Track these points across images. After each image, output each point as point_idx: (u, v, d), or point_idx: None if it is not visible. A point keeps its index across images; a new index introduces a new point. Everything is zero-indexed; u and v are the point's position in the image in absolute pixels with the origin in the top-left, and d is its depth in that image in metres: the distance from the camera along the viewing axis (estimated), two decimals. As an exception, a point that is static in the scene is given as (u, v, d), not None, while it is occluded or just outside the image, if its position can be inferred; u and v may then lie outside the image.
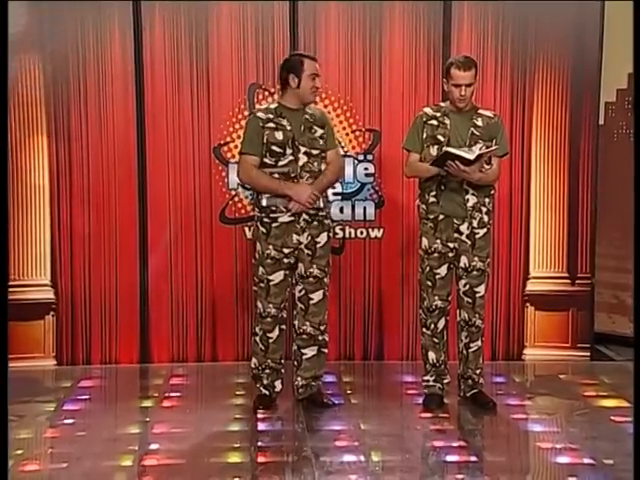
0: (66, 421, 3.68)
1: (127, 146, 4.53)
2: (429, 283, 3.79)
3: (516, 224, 4.65)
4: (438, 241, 3.74)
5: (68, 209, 4.53)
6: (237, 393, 4.08)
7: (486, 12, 4.53)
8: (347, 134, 4.58)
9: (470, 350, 3.83)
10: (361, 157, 4.60)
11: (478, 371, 3.85)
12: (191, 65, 4.52)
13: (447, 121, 3.72)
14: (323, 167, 3.72)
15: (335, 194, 4.55)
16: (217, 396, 4.04)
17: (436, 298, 3.79)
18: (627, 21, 4.80)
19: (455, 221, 3.72)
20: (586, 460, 3.21)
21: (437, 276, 3.77)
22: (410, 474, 3.10)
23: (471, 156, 3.55)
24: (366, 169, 4.60)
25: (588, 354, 4.69)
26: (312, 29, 4.52)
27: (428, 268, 3.77)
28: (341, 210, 4.60)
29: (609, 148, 4.90)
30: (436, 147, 3.71)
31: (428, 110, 3.81)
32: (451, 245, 3.74)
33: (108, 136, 4.51)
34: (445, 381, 3.88)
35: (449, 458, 3.25)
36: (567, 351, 4.68)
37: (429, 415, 3.73)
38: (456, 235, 3.73)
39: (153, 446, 3.38)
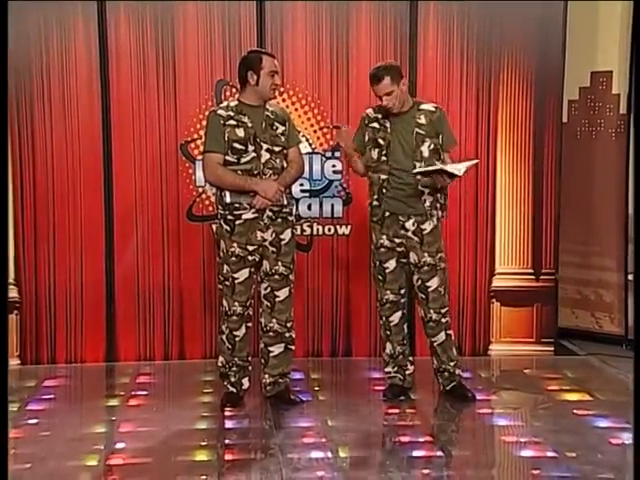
0: (30, 421, 3.64)
1: (92, 143, 4.48)
2: (380, 277, 3.86)
3: (482, 221, 4.70)
4: (384, 237, 3.80)
5: (32, 206, 4.48)
6: (204, 391, 4.07)
7: (452, 11, 4.56)
8: (315, 131, 4.59)
9: (435, 344, 3.86)
10: (329, 154, 4.61)
11: (452, 363, 3.88)
12: (157, 62, 4.49)
13: (388, 124, 3.75)
14: (285, 164, 3.72)
15: (303, 191, 4.57)
16: (184, 394, 4.03)
17: (388, 292, 3.85)
18: (589, 21, 4.90)
19: (400, 218, 3.76)
20: (549, 453, 3.26)
21: (387, 270, 3.83)
22: (377, 469, 3.13)
23: (459, 173, 3.62)
24: (334, 166, 4.61)
25: (552, 349, 4.75)
26: (279, 28, 4.52)
27: (378, 262, 3.85)
28: (309, 207, 4.61)
29: (572, 146, 4.97)
30: (377, 150, 3.76)
31: (370, 111, 3.84)
32: (397, 241, 3.79)
33: (73, 134, 4.47)
34: (407, 372, 3.93)
35: (415, 453, 3.28)
36: (532, 346, 4.75)
37: (396, 411, 3.76)
38: (402, 232, 3.77)
39: (119, 445, 3.36)
